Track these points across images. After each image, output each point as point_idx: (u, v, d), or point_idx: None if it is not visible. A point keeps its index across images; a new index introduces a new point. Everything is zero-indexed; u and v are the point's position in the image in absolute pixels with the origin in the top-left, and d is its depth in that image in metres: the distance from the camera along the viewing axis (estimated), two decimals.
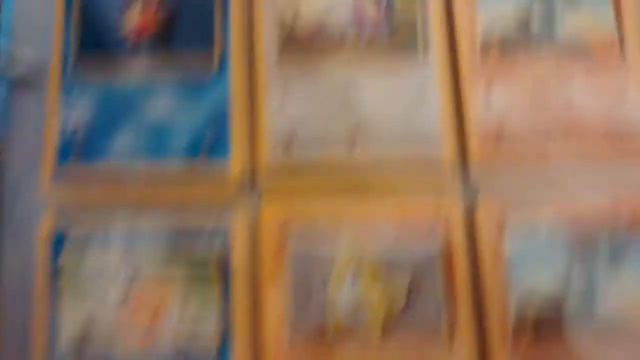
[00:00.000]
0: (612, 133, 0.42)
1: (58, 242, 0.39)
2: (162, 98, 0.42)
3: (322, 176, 0.41)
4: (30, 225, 0.40)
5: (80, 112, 0.41)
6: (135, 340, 0.38)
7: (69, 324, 0.38)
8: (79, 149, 0.41)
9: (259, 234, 0.40)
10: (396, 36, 0.43)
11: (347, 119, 0.42)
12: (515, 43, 0.43)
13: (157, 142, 0.41)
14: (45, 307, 0.38)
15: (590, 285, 0.39)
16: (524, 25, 0.43)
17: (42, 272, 0.39)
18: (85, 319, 0.38)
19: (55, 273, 0.39)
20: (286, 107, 0.42)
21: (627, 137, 0.41)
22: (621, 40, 0.43)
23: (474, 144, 0.41)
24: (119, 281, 0.39)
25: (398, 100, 0.42)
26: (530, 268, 0.40)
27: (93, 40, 0.43)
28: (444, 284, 0.39)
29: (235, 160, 0.41)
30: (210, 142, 0.41)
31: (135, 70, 0.42)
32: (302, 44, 0.43)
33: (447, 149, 0.41)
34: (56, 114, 0.41)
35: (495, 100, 0.42)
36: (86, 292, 0.39)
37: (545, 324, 0.39)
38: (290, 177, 0.41)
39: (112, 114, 0.41)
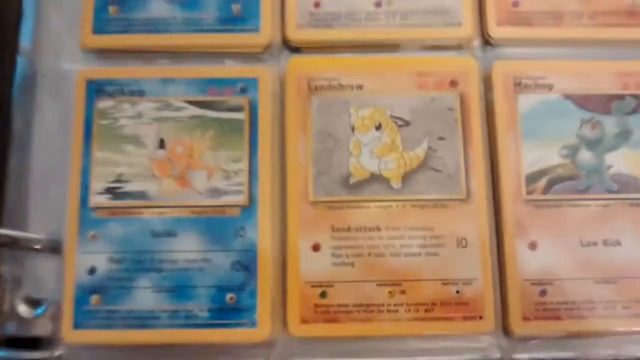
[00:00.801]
0: None
1: (95, 90, 0.42)
2: None
3: (349, 33, 0.43)
4: (70, 73, 0.42)
5: None
6: (170, 183, 0.41)
7: (103, 172, 0.41)
8: (117, 5, 0.43)
9: (286, 85, 0.42)
10: None
11: None
12: None
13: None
14: (80, 153, 0.41)
15: (602, 145, 0.42)
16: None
17: (78, 118, 0.41)
18: (121, 164, 0.41)
19: (91, 119, 0.41)
20: None
21: None
22: None
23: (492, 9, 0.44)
24: (154, 127, 0.41)
25: None
26: (543, 123, 0.42)
27: None
28: (462, 137, 0.42)
29: (265, 17, 0.43)
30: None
31: None
32: None
33: (467, 13, 0.44)
34: None
35: None
36: (122, 139, 0.41)
37: (557, 179, 0.41)
38: (317, 34, 0.43)
39: None
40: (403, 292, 0.39)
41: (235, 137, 0.41)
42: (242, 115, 0.41)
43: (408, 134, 0.42)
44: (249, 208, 0.40)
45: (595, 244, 0.40)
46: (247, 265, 0.39)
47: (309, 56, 0.44)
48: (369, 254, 0.40)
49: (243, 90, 0.42)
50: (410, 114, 0.42)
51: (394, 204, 0.41)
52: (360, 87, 0.42)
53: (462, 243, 0.40)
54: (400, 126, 0.42)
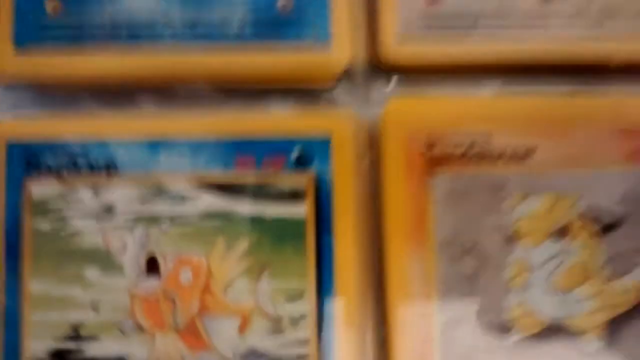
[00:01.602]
0: None
1: (24, 164, 0.23)
2: None
3: (499, 47, 0.23)
4: None
5: None
6: (169, 341, 0.22)
7: (45, 321, 0.22)
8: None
9: (384, 150, 0.22)
10: None
11: None
12: None
13: None
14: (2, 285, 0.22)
15: None
16: None
17: None
18: (77, 304, 0.22)
19: (17, 221, 0.22)
20: None
21: None
22: None
23: None
24: (137, 235, 0.22)
25: None
26: None
27: None
28: None
29: (340, 22, 0.23)
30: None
31: None
32: None
33: None
34: None
35: None
36: (78, 258, 0.22)
37: None
38: (436, 51, 0.23)
39: None
40: None
41: (292, 252, 0.22)
42: (302, 210, 0.22)
43: (616, 245, 0.22)
44: None
45: None
46: None
47: (425, 95, 0.23)
48: None
49: (302, 161, 0.22)
50: (619, 206, 0.22)
51: None
52: (526, 154, 0.22)
53: None
54: (603, 231, 0.22)
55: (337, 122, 0.22)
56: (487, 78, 0.23)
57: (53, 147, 0.22)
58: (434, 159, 0.22)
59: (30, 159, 0.22)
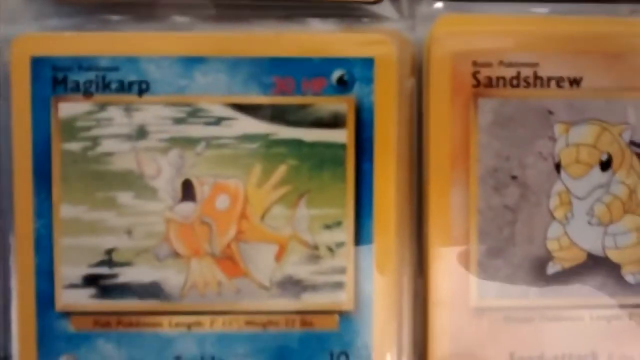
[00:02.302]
0: None
1: (51, 81, 0.21)
2: None
3: None
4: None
5: None
6: (206, 267, 0.22)
7: (77, 246, 0.22)
8: None
9: (430, 72, 0.21)
10: None
11: None
12: None
13: None
14: (30, 207, 0.22)
15: None
16: None
17: (22, 138, 0.22)
18: (110, 229, 0.22)
19: (47, 141, 0.21)
20: None
21: None
22: None
23: None
24: (172, 157, 0.21)
25: None
26: None
27: None
28: None
29: None
30: None
31: None
32: None
33: None
34: None
35: None
36: (109, 180, 0.21)
37: None
38: None
39: None
40: None
41: (331, 179, 0.21)
42: (342, 136, 0.21)
43: None
44: (356, 317, 0.21)
45: None
46: None
47: (475, 10, 0.22)
48: None
49: (343, 84, 0.21)
50: None
51: (625, 311, 0.22)
52: (574, 81, 0.21)
53: None
54: None
55: (381, 42, 0.21)
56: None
57: (82, 63, 0.21)
58: (481, 82, 0.21)
59: (57, 75, 0.21)
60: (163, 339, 0.21)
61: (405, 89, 0.22)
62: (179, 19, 0.22)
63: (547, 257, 0.21)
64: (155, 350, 0.21)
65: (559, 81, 0.21)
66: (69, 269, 0.21)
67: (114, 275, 0.21)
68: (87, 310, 0.21)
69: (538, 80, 0.21)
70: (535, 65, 0.21)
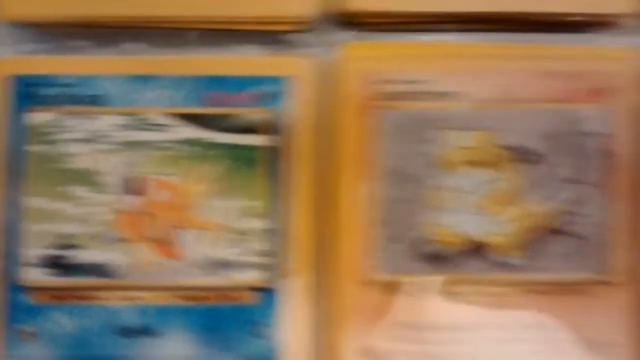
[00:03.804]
0: None
1: (24, 96, 0.26)
2: None
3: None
4: None
5: None
6: (146, 250, 0.26)
7: (39, 231, 0.26)
8: None
9: (340, 89, 0.26)
10: None
11: None
12: None
13: None
14: (3, 199, 0.26)
15: None
16: None
17: None
18: (68, 217, 0.26)
19: (19, 144, 0.26)
20: None
21: None
22: None
23: None
24: (122, 158, 0.26)
25: None
26: None
27: None
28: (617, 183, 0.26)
29: None
30: None
31: None
32: None
33: None
34: None
35: None
36: (69, 177, 0.26)
37: None
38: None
39: None
40: None
41: (252, 177, 0.25)
42: (262, 141, 0.25)
43: (537, 176, 0.26)
44: (272, 292, 0.25)
45: None
46: None
47: (372, 39, 0.27)
48: None
49: (264, 99, 0.26)
50: (541, 142, 0.26)
51: (508, 289, 0.25)
52: (459, 94, 0.26)
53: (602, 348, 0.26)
54: (525, 162, 0.26)
55: (295, 63, 0.26)
56: (435, 29, 0.27)
57: (49, 81, 0.25)
58: (384, 97, 0.26)
59: (29, 90, 0.25)
60: (110, 310, 0.25)
61: (320, 102, 0.26)
62: (132, 44, 0.26)
63: (433, 241, 0.25)
64: (104, 320, 0.25)
65: (445, 95, 0.26)
66: (32, 251, 0.25)
67: (69, 257, 0.25)
68: (46, 286, 0.25)
69: (429, 95, 0.26)
70: (426, 82, 0.26)
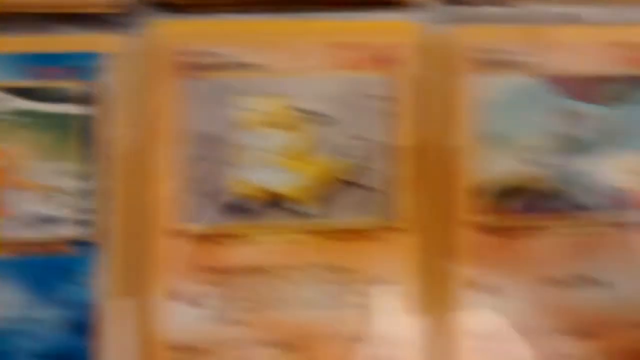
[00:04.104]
0: None
1: None
2: None
3: None
4: None
5: None
6: None
7: None
8: None
9: (147, 62, 0.29)
10: None
11: None
12: None
13: None
14: None
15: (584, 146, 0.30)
16: None
17: None
18: None
19: None
20: None
21: None
22: None
23: None
24: None
25: None
26: (508, 118, 0.30)
27: None
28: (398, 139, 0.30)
29: None
30: None
31: None
32: None
33: None
34: None
35: None
36: None
37: (522, 194, 0.30)
38: None
39: None
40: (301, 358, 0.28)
41: (68, 141, 0.28)
42: (79, 109, 0.28)
43: (328, 135, 0.29)
44: (88, 244, 0.28)
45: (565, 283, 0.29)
46: (82, 324, 0.28)
47: (182, 19, 0.30)
48: (259, 307, 0.28)
49: (82, 72, 0.29)
50: (331, 105, 0.29)
51: (304, 235, 0.29)
52: (258, 66, 0.29)
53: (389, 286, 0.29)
54: (317, 123, 0.29)
55: (110, 41, 0.29)
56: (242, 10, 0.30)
57: None
58: (186, 67, 0.29)
59: None
60: None
61: (128, 76, 0.29)
62: None
63: (234, 194, 0.29)
64: None
65: (246, 66, 0.29)
66: None
67: None
68: None
69: (232, 66, 0.29)
70: (229, 56, 0.29)
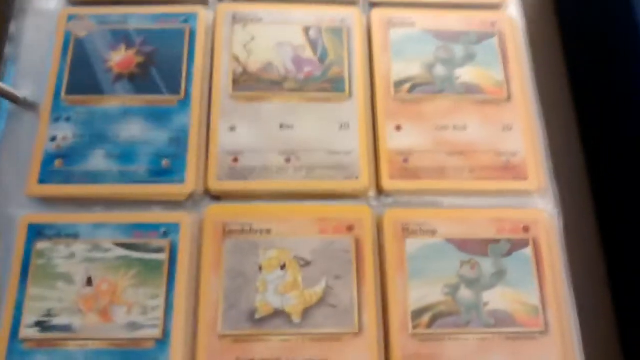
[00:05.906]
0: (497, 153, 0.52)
1: (35, 233, 0.48)
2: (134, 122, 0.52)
3: (262, 184, 0.50)
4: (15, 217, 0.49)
5: (65, 132, 0.51)
6: (94, 317, 0.46)
7: (35, 307, 0.46)
8: (62, 159, 0.50)
9: (204, 229, 0.49)
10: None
11: (285, 142, 0.52)
12: (421, 87, 0.54)
13: (127, 155, 0.51)
14: (16, 289, 0.46)
15: (479, 284, 0.48)
16: (430, 73, 0.55)
17: (18, 257, 0.47)
18: (52, 299, 0.46)
19: (29, 259, 0.47)
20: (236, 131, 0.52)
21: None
22: (507, 83, 0.54)
23: (385, 165, 0.51)
24: (84, 266, 0.47)
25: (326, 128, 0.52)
26: (428, 265, 0.48)
27: (81, 78, 0.53)
28: (356, 276, 0.47)
29: (191, 170, 0.50)
30: (171, 157, 0.51)
31: (113, 101, 0.52)
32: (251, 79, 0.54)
33: (364, 168, 0.51)
34: (46, 133, 0.51)
35: (404, 131, 0.53)
36: (55, 276, 0.47)
37: (440, 315, 0.47)
38: (235, 185, 0.50)
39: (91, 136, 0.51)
40: None
41: (155, 276, 0.47)
42: (163, 257, 0.47)
43: (309, 273, 0.47)
44: (163, 341, 0.45)
45: None
46: None
47: (226, 204, 0.50)
48: None
49: (165, 234, 0.48)
50: (311, 255, 0.48)
51: (293, 337, 0.46)
52: (268, 231, 0.49)
53: None
54: (302, 266, 0.48)
55: (184, 217, 0.49)
56: (262, 200, 0.50)
57: (49, 226, 0.48)
58: (226, 232, 0.48)
59: (38, 231, 0.47)
60: (68, 352, 0.44)
61: (193, 237, 0.48)
62: None
63: (255, 310, 0.46)
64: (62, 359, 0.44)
65: (264, 230, 0.49)
66: (28, 318, 0.45)
67: (49, 321, 0.45)
68: (33, 338, 0.45)
69: (257, 231, 0.49)
70: (255, 225, 0.49)
